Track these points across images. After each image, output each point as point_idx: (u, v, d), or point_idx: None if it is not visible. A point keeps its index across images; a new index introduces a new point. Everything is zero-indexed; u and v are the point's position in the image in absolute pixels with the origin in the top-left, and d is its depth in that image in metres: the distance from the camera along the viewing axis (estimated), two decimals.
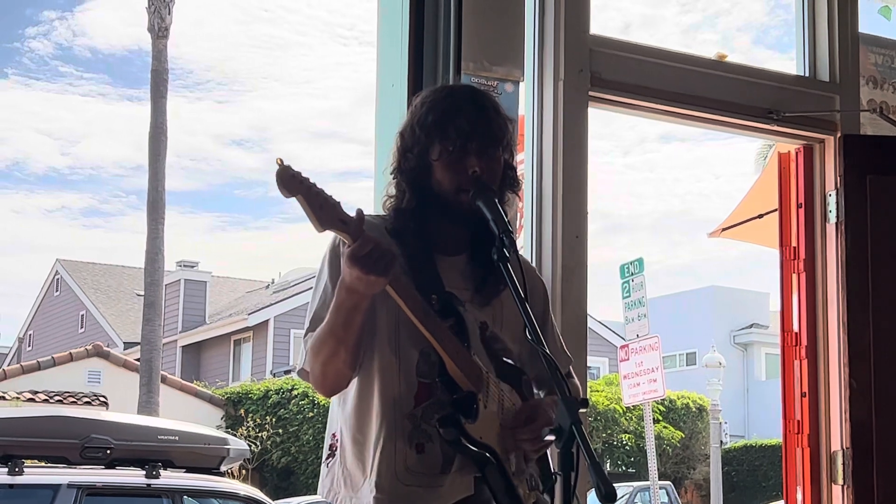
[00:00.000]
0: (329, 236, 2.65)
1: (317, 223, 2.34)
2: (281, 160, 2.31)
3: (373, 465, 2.57)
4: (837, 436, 4.65)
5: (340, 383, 2.61)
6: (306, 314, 2.67)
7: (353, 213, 2.40)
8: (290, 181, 2.31)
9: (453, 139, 2.62)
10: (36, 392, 18.40)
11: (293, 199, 2.31)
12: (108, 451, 7.19)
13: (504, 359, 2.68)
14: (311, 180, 2.33)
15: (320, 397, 20.75)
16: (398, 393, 2.59)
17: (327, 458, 2.71)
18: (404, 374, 2.59)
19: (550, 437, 2.38)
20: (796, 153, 4.96)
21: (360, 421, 2.61)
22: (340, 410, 2.68)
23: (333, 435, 2.71)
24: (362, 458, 2.60)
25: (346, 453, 2.64)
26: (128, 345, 30.72)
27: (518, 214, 3.93)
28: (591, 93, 4.24)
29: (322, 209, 2.34)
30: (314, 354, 2.57)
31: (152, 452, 7.39)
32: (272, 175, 2.29)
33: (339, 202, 2.36)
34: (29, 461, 7.17)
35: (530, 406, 2.65)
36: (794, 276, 4.90)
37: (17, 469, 6.88)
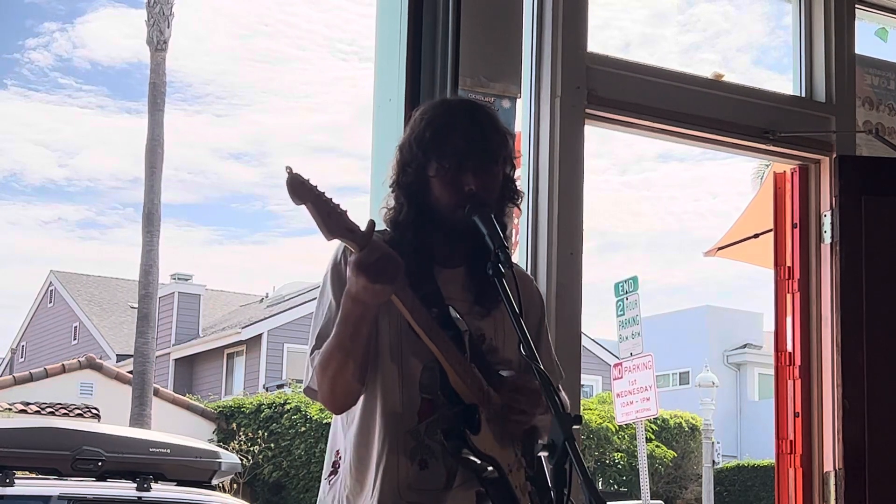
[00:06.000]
0: (330, 253, 2.67)
1: (325, 231, 2.35)
2: (290, 168, 2.32)
3: (375, 482, 2.57)
4: (830, 456, 4.65)
5: (350, 399, 2.60)
6: (310, 332, 2.66)
7: (360, 224, 2.40)
8: (300, 188, 2.32)
9: (449, 157, 2.62)
10: (28, 403, 18.32)
11: (296, 207, 2.32)
12: (100, 464, 7.15)
13: (499, 371, 2.67)
14: (320, 188, 2.34)
15: (313, 412, 20.75)
16: (400, 409, 2.58)
17: (329, 476, 2.70)
18: (407, 389, 2.59)
19: (543, 453, 2.38)
20: (792, 173, 4.97)
21: (363, 438, 2.61)
22: (346, 427, 2.67)
23: (336, 452, 2.70)
24: (364, 475, 2.60)
25: (350, 470, 2.63)
26: (120, 357, 30.65)
27: (513, 231, 3.93)
28: (587, 110, 4.25)
29: (330, 217, 2.35)
30: (322, 370, 2.55)
31: (144, 465, 7.36)
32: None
33: (345, 211, 2.37)
34: (20, 472, 7.14)
35: (522, 377, 2.65)
36: (789, 297, 4.91)
37: (7, 480, 6.85)
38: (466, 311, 2.64)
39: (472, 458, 2.54)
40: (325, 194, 2.35)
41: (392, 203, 2.70)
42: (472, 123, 2.68)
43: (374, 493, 2.56)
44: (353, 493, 2.61)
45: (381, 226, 2.70)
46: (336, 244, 2.62)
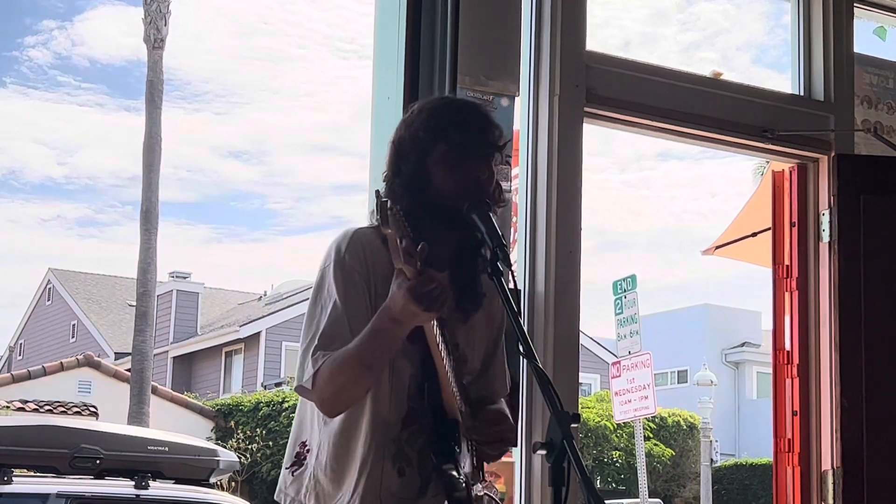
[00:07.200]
0: (325, 249, 2.66)
1: (398, 259, 2.33)
2: (379, 192, 2.38)
3: (357, 485, 2.58)
4: (828, 455, 4.65)
5: (351, 406, 2.59)
6: (306, 330, 2.61)
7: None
8: (391, 216, 2.30)
9: (457, 143, 2.62)
10: (26, 401, 18.32)
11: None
12: (98, 462, 7.15)
13: (464, 383, 2.68)
14: (403, 217, 2.32)
15: None
16: (389, 415, 2.60)
17: (292, 466, 2.69)
18: (396, 396, 2.61)
19: (542, 451, 2.38)
20: (790, 172, 4.97)
21: (347, 438, 2.61)
22: (321, 423, 2.65)
23: (304, 443, 2.69)
24: (342, 476, 2.60)
25: (322, 467, 2.63)
26: (119, 355, 30.61)
27: (511, 229, 3.93)
28: (586, 108, 4.25)
29: (401, 242, 2.32)
30: (332, 376, 2.51)
31: (142, 463, 7.35)
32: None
33: (410, 234, 2.34)
34: (18, 470, 7.13)
35: (499, 410, 2.72)
36: (787, 295, 4.91)
37: (6, 478, 6.84)
38: (448, 317, 2.62)
39: (453, 473, 2.56)
40: (404, 220, 2.32)
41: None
42: (476, 114, 2.72)
43: (354, 495, 2.58)
44: (325, 492, 2.62)
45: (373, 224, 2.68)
46: (331, 240, 2.64)
